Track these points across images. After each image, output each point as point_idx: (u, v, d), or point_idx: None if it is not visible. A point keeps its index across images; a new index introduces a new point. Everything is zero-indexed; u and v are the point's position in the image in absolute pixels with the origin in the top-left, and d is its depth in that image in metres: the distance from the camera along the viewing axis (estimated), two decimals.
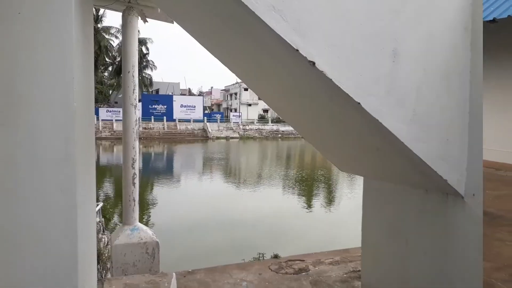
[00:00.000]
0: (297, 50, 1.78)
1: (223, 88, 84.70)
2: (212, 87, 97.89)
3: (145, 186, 17.96)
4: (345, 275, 4.25)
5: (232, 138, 54.99)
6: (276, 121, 64.76)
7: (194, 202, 15.34)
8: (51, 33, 1.75)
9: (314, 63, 1.80)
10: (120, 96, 67.09)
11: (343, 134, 2.67)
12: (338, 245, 6.20)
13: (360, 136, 2.45)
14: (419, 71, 2.08)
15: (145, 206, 13.64)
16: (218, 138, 53.94)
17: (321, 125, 2.86)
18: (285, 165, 28.33)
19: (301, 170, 24.53)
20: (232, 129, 58.16)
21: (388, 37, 1.99)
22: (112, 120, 52.47)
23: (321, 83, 1.93)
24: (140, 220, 5.11)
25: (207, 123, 57.05)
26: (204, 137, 54.36)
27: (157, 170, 25.24)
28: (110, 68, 60.46)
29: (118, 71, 58.89)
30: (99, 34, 52.72)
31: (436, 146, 2.15)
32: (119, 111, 57.09)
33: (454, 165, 2.21)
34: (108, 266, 5.61)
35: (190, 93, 79.66)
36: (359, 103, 1.92)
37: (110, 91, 60.62)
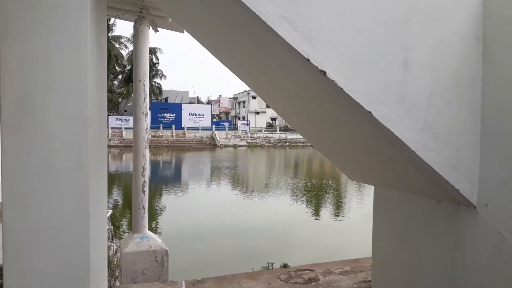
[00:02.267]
0: (308, 59, 1.79)
1: (232, 97, 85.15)
2: (220, 96, 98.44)
3: (154, 194, 18.02)
4: (355, 285, 4.21)
5: (240, 146, 55.17)
6: (284, 129, 64.79)
7: (202, 210, 15.35)
8: (66, 43, 1.79)
9: (325, 72, 1.82)
10: (129, 104, 67.82)
11: (353, 143, 2.67)
12: (347, 255, 6.15)
13: (370, 145, 2.44)
14: (430, 80, 2.08)
15: (153, 214, 13.67)
16: (226, 146, 54.15)
17: (330, 134, 2.86)
18: (293, 174, 28.26)
19: (310, 179, 24.43)
20: (240, 137, 58.38)
21: (398, 46, 1.99)
22: (121, 128, 52.97)
23: (331, 92, 1.94)
24: (149, 228, 5.13)
25: (215, 131, 57.36)
26: (212, 145, 54.60)
27: (165, 178, 25.33)
28: (119, 77, 61.13)
29: (128, 80, 59.59)
30: (110, 43, 53.45)
31: (448, 155, 2.14)
32: (129, 119, 57.73)
33: (466, 175, 2.19)
34: (117, 274, 5.62)
35: (198, 101, 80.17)
36: (370, 112, 1.92)
37: (120, 99, 61.22)
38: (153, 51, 61.01)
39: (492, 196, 2.14)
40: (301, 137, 65.22)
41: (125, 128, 52.95)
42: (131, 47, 60.24)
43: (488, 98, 2.16)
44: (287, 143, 59.77)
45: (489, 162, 2.16)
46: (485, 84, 2.16)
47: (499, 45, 2.08)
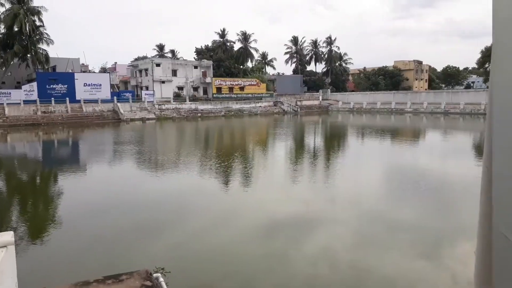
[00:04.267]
0: None
1: (130, 64, 78.16)
2: (116, 63, 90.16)
3: (41, 183, 14.71)
4: None
5: (149, 119, 50.87)
6: (193, 99, 61.76)
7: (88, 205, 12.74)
8: None
9: None
10: (8, 74, 58.12)
11: None
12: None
13: None
14: None
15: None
16: (132, 120, 49.44)
17: None
18: (221, 151, 26.33)
19: (237, 156, 22.78)
20: (147, 109, 53.89)
21: None
22: (3, 104, 44.87)
23: None
24: None
25: (118, 104, 51.98)
26: (116, 119, 49.45)
27: (57, 163, 21.30)
28: None
29: (4, 45, 50.79)
30: None
31: None
32: (10, 93, 49.54)
33: None
34: None
35: (87, 69, 72.01)
36: None
37: None
38: (34, 11, 52.11)
39: None
40: (213, 107, 63.04)
41: (8, 104, 45.18)
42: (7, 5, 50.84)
43: None
44: (199, 114, 57.04)
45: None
46: None
47: None
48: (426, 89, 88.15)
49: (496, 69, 1.89)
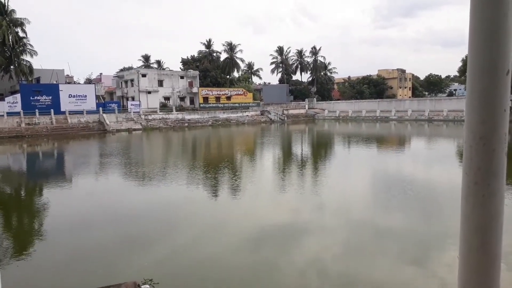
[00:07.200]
0: None
1: (116, 74, 77.68)
2: (101, 74, 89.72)
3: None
4: None
5: (135, 130, 50.48)
6: (180, 109, 61.52)
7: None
8: None
9: None
10: None
11: None
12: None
13: None
14: None
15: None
16: (118, 131, 48.98)
17: None
18: (209, 160, 26.24)
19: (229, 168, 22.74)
20: (133, 120, 53.50)
21: None
22: None
23: None
24: None
25: (104, 114, 51.52)
26: (101, 130, 48.96)
27: (40, 176, 21.03)
28: None
29: None
30: None
31: None
32: None
33: None
34: None
35: (74, 81, 71.34)
36: None
37: None
38: (17, 22, 51.57)
39: None
40: (200, 117, 62.79)
41: None
42: None
43: None
44: (186, 124, 56.84)
45: None
46: None
47: None
48: (410, 97, 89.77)
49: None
